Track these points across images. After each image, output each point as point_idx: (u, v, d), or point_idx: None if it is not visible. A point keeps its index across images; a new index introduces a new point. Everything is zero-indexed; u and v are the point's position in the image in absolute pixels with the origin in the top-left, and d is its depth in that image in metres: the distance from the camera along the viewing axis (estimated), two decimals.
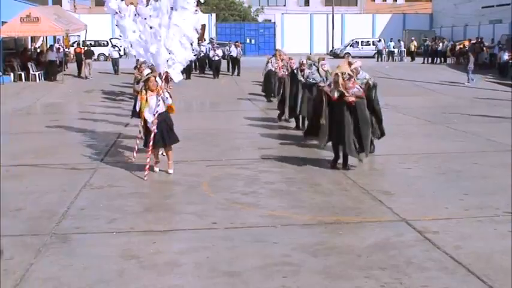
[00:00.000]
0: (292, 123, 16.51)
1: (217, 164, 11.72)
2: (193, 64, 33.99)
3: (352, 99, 10.23)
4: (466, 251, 6.82)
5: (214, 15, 57.92)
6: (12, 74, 30.68)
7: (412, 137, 14.73)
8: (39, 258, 6.69)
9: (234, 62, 34.72)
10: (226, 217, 8.21)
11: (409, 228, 7.72)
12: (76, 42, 39.60)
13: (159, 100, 10.60)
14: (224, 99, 24.92)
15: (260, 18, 63.95)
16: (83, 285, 5.97)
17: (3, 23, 29.84)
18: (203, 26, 48.33)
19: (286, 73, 17.64)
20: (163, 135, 10.76)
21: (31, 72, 30.90)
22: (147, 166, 10.56)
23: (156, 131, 10.62)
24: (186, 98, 25.15)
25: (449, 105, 21.54)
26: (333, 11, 58.73)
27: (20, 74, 30.75)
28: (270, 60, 23.10)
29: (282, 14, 60.93)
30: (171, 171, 10.94)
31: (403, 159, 11.73)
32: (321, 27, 59.22)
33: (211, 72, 33.78)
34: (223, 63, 34.49)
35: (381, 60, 47.37)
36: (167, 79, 11.81)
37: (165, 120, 10.81)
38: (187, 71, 32.84)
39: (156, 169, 10.98)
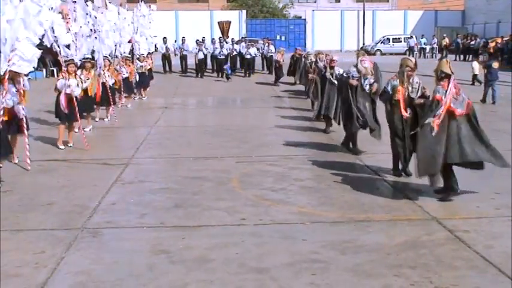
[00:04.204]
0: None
1: (246, 161, 11.74)
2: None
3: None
4: (497, 251, 6.75)
5: (244, 11, 57.92)
6: (44, 70, 31.09)
7: None
8: (71, 252, 6.78)
9: (267, 61, 34.15)
10: (256, 213, 8.23)
11: (440, 226, 7.66)
12: None
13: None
14: (254, 97, 24.91)
15: (290, 15, 63.84)
16: (113, 279, 6.04)
17: None
18: (228, 23, 48.30)
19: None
20: None
21: (63, 68, 31.18)
22: None
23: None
24: (217, 95, 25.25)
25: (480, 103, 21.22)
26: (364, 8, 58.40)
27: (52, 70, 31.15)
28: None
29: (313, 10, 60.72)
30: None
31: None
32: (351, 24, 58.89)
33: (242, 71, 33.77)
34: (257, 61, 34.18)
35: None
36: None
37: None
38: (217, 69, 32.99)
39: None
